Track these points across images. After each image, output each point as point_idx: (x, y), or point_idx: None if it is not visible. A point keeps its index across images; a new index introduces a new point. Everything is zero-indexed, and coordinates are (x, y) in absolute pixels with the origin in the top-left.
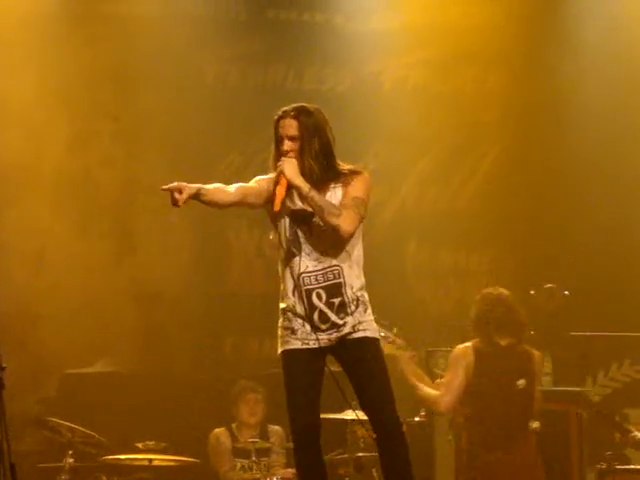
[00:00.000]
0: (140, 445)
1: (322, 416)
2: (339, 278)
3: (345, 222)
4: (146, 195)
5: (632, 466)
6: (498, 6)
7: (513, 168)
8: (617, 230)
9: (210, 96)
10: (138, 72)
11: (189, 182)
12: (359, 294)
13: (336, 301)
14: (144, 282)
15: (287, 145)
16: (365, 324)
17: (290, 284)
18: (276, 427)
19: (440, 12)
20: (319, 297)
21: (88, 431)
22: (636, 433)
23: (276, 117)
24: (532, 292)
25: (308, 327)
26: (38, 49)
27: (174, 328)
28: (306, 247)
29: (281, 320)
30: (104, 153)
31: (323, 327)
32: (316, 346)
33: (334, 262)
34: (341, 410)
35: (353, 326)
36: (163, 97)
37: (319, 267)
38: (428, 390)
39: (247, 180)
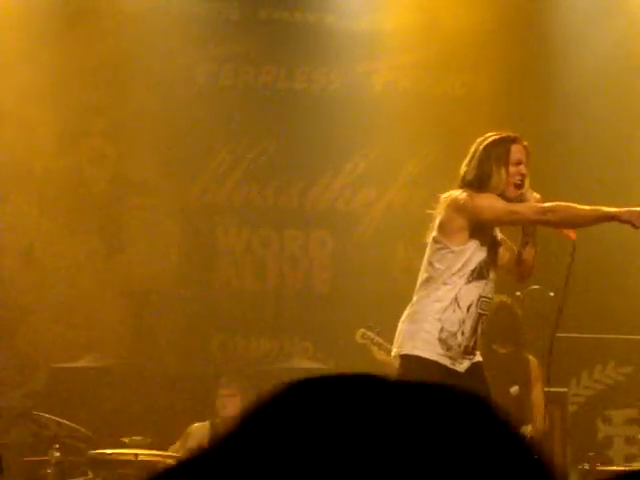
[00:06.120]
0: (126, 440)
1: None
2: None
3: None
4: (135, 193)
5: (614, 467)
6: (489, 10)
7: None
8: (603, 233)
9: (201, 95)
10: (129, 70)
11: (178, 180)
12: None
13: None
14: (132, 279)
15: (525, 170)
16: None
17: (467, 301)
18: None
19: (431, 15)
20: (482, 324)
21: (75, 425)
22: None
23: (510, 138)
24: (518, 294)
25: (462, 349)
26: (29, 46)
27: (162, 325)
28: (492, 274)
29: (439, 329)
30: (94, 151)
31: (469, 351)
32: (460, 370)
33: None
34: None
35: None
36: (154, 96)
37: (491, 296)
38: None
39: (238, 178)
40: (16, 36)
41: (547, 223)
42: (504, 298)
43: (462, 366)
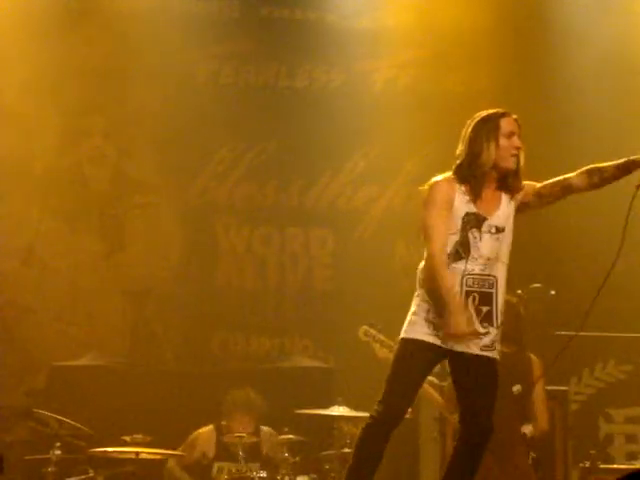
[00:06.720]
0: (127, 438)
1: (308, 412)
2: (492, 288)
3: None
4: (136, 192)
5: (615, 465)
6: (488, 8)
7: None
8: (603, 232)
9: (202, 93)
10: (130, 69)
11: (179, 179)
12: (503, 310)
13: (484, 309)
14: (133, 277)
15: (518, 141)
16: (498, 344)
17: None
18: (267, 428)
19: (431, 13)
20: (474, 300)
21: (75, 423)
22: None
23: (498, 113)
24: (519, 292)
25: None
26: (29, 45)
27: (162, 323)
28: (475, 251)
29: (426, 311)
30: (94, 150)
31: None
32: (459, 350)
33: (493, 272)
34: (328, 406)
35: (493, 342)
36: (155, 94)
37: (479, 272)
38: (437, 396)
39: (238, 177)
40: (16, 36)
41: (425, 273)
42: (508, 297)
43: (459, 346)
